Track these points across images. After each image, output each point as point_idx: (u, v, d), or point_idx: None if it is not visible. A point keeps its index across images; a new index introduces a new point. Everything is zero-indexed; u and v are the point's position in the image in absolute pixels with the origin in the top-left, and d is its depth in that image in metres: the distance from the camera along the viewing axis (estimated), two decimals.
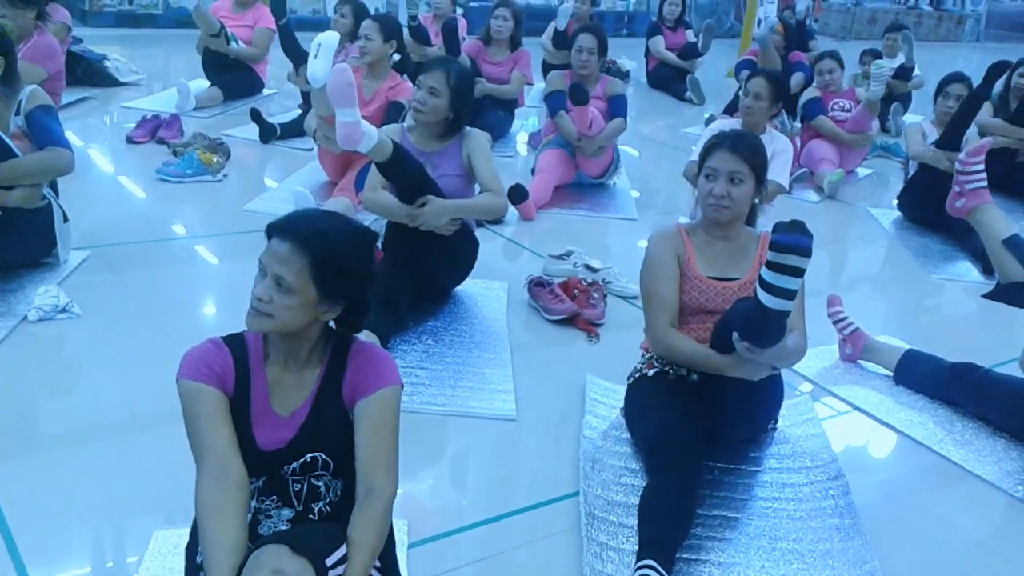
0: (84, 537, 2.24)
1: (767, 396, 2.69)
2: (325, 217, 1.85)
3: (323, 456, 1.82)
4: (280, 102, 7.01)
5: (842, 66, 6.47)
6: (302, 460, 1.81)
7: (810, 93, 6.43)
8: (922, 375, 3.26)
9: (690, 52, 9.00)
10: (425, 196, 3.35)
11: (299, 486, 1.83)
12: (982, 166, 3.12)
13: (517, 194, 4.76)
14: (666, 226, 2.84)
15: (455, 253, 3.56)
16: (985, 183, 3.11)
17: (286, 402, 1.84)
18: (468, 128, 3.58)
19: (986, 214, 3.08)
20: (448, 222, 3.42)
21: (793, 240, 2.20)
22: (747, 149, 2.68)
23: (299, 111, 6.18)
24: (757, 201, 2.75)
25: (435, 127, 3.50)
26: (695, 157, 4.65)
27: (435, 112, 3.44)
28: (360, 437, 1.79)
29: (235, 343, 1.86)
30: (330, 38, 3.65)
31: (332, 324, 1.88)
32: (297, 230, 1.76)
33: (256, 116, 5.86)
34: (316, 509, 1.84)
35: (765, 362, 2.51)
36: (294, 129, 5.89)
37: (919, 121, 5.58)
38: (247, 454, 1.77)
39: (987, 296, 3.09)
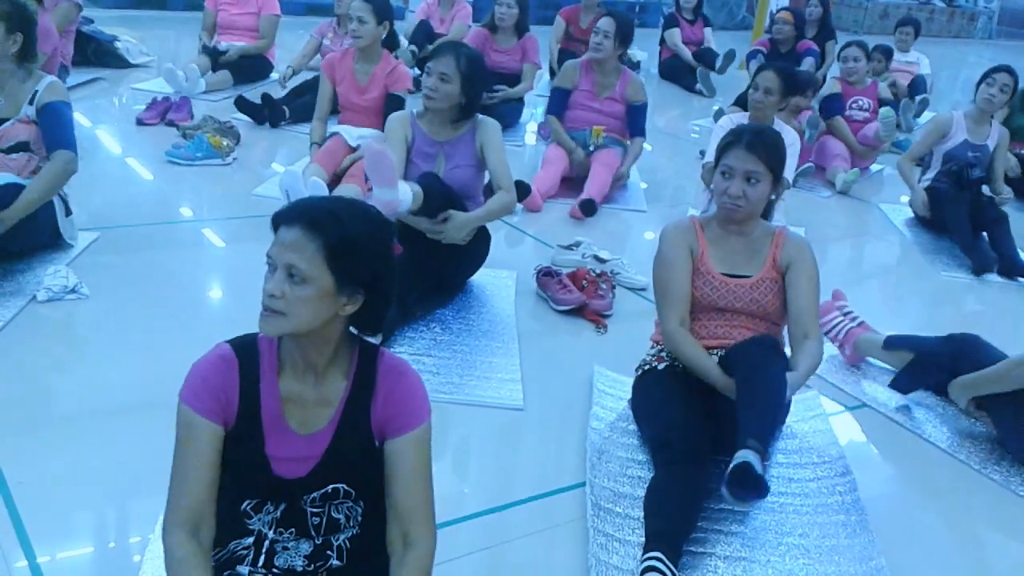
0: (90, 517, 2.25)
1: None
2: (334, 200, 1.70)
3: (345, 486, 1.71)
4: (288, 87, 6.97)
5: (868, 57, 6.39)
6: (323, 491, 1.70)
7: (831, 88, 6.38)
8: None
9: (707, 58, 8.88)
10: (447, 212, 3.34)
11: (318, 519, 1.72)
12: (839, 316, 3.47)
13: (520, 190, 4.75)
14: (680, 219, 2.83)
15: (469, 250, 3.53)
16: (851, 324, 3.42)
17: (305, 420, 1.70)
18: (481, 116, 3.55)
19: (862, 342, 3.37)
20: (467, 233, 3.42)
21: (745, 497, 2.26)
22: (764, 148, 2.64)
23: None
24: (773, 197, 2.73)
25: (446, 113, 3.47)
26: (709, 158, 4.65)
27: (447, 98, 3.41)
28: (397, 484, 1.69)
29: (246, 352, 1.70)
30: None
31: (352, 329, 1.75)
32: (305, 214, 1.62)
33: (266, 100, 5.85)
34: (336, 545, 1.73)
35: None
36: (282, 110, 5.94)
37: (949, 115, 5.33)
38: (262, 479, 1.68)
39: (893, 387, 3.17)
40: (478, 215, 3.45)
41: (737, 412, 2.38)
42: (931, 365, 3.11)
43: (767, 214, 2.78)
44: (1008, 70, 5.23)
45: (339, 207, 1.66)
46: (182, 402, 1.66)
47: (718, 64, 8.69)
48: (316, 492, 1.70)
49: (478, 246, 3.60)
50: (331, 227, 1.60)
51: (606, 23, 5.10)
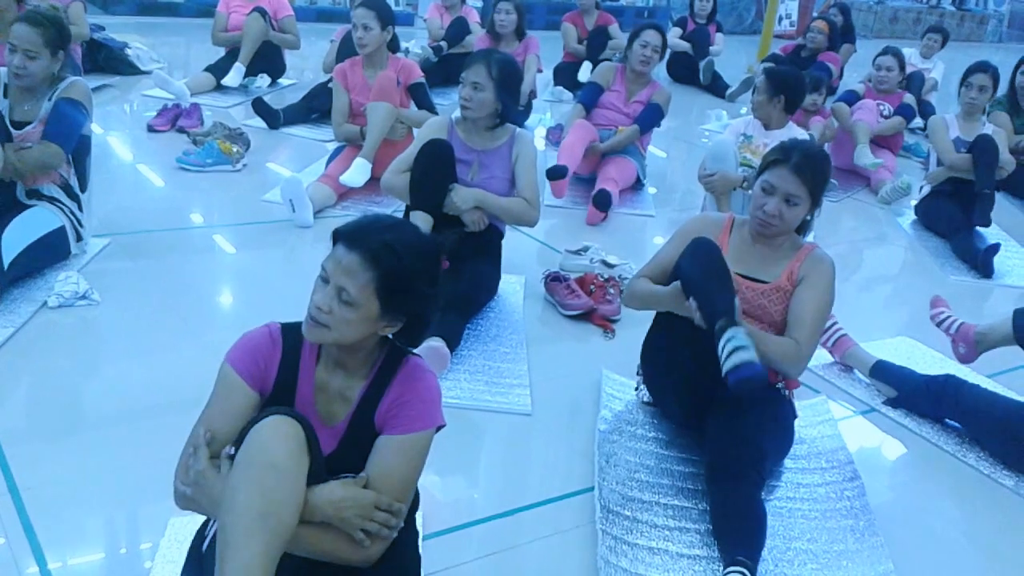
0: (100, 523, 2.26)
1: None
2: (394, 228, 1.75)
3: (355, 476, 1.76)
4: (295, 93, 6.96)
5: (902, 67, 6.36)
6: (336, 478, 1.75)
7: (857, 87, 6.40)
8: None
9: (700, 41, 8.92)
10: (452, 184, 3.41)
11: None
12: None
13: (556, 172, 4.77)
14: (718, 214, 2.89)
15: (481, 271, 3.51)
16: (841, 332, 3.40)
17: (329, 411, 1.81)
18: (520, 130, 3.58)
19: (851, 356, 3.37)
20: (479, 216, 3.44)
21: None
22: (811, 171, 2.58)
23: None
24: (808, 217, 2.70)
25: (484, 120, 3.49)
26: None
27: (482, 106, 3.43)
28: (369, 480, 1.73)
29: (291, 337, 1.80)
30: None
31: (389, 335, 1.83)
32: (365, 241, 1.68)
33: (259, 106, 5.88)
34: None
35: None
36: (296, 114, 5.99)
37: (941, 117, 5.41)
38: None
39: (887, 404, 3.19)
40: (487, 196, 3.46)
41: (715, 524, 2.34)
42: (912, 406, 3.13)
43: (802, 230, 2.74)
44: (983, 69, 5.25)
45: (398, 241, 1.71)
46: (226, 362, 1.77)
47: (702, 75, 8.78)
48: (331, 477, 1.75)
49: (488, 268, 3.57)
50: (387, 261, 1.67)
51: (654, 37, 5.12)
